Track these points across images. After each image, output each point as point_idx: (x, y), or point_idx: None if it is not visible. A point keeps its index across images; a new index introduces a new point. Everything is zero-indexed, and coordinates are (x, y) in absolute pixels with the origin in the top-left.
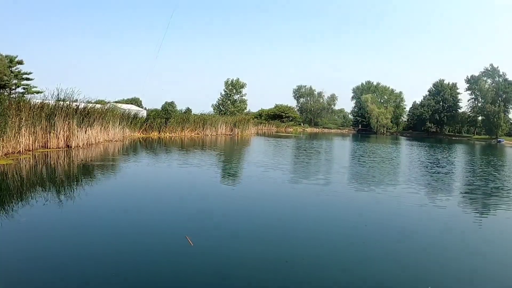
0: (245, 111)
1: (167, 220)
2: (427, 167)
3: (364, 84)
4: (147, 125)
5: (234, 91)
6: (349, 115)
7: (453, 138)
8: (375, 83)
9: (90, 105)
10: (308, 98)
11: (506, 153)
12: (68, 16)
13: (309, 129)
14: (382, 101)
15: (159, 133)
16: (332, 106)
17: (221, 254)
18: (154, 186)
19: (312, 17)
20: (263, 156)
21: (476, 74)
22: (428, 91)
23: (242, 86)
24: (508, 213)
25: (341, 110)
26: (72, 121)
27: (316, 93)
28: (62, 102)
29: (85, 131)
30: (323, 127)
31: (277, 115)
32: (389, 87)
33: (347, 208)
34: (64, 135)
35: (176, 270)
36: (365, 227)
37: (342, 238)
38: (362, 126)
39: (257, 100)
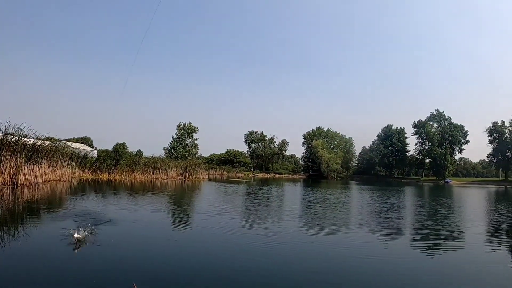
0: (196, 155)
1: (112, 267)
2: (380, 212)
3: (315, 130)
4: (97, 165)
5: (186, 135)
6: (300, 161)
7: (402, 180)
8: (325, 129)
9: (40, 141)
10: (260, 144)
11: (454, 193)
12: (23, 48)
13: (260, 175)
14: (332, 146)
15: (108, 174)
16: (283, 151)
17: None
18: (101, 231)
19: (266, 63)
20: (213, 202)
21: (423, 119)
22: (377, 136)
23: (194, 130)
24: (461, 252)
25: (292, 156)
26: (20, 157)
27: (267, 138)
28: (10, 137)
29: (33, 169)
30: (274, 172)
31: (228, 160)
32: (339, 133)
33: (292, 256)
34: (10, 172)
35: None
36: (310, 275)
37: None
38: (313, 171)
39: (209, 144)
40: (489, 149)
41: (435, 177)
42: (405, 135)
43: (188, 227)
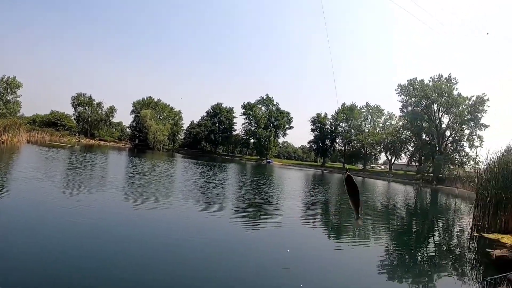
0: (17, 114)
1: None
2: (205, 187)
3: (145, 99)
4: None
5: (9, 90)
6: (127, 129)
7: (226, 157)
8: (156, 99)
9: None
10: (87, 108)
11: (275, 172)
12: None
13: (84, 140)
14: (161, 117)
15: None
16: (111, 118)
17: None
18: None
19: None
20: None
21: (253, 101)
22: (206, 112)
23: (18, 86)
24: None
25: (120, 123)
26: None
27: (95, 103)
28: None
29: None
30: (99, 139)
31: (52, 123)
32: (169, 105)
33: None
34: None
35: None
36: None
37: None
38: (139, 141)
39: (32, 103)
40: (310, 136)
41: (258, 157)
42: (234, 115)
43: None
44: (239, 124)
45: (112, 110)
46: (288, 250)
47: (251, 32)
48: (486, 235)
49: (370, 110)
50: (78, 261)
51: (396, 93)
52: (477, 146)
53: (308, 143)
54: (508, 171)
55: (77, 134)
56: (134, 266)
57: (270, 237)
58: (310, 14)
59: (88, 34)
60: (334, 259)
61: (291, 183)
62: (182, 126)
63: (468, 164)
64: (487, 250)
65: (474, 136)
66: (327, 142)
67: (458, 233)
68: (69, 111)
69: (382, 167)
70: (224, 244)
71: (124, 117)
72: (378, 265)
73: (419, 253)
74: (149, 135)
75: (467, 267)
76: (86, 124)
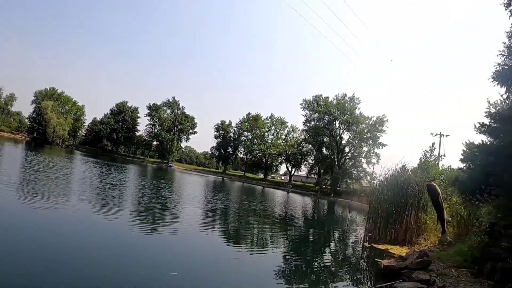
0: None
1: None
2: (103, 189)
3: (48, 89)
4: None
5: None
6: (26, 120)
7: (127, 158)
8: (59, 91)
9: None
10: None
11: (176, 177)
12: None
13: None
14: (63, 111)
15: None
16: (9, 107)
17: None
18: None
19: None
20: None
21: (159, 103)
22: (110, 110)
23: None
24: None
25: (19, 113)
26: None
27: None
28: None
29: None
30: None
31: None
32: (72, 98)
33: None
34: None
35: None
36: None
37: None
38: (38, 134)
39: None
40: (213, 143)
41: (159, 160)
42: (138, 115)
43: None
44: (143, 125)
45: (11, 98)
46: (176, 273)
47: (168, 32)
48: (376, 245)
49: (274, 122)
50: None
51: (301, 107)
52: (374, 163)
53: (210, 149)
54: (399, 187)
55: None
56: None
57: (164, 243)
58: (221, 21)
59: None
60: (230, 267)
61: (191, 189)
62: (84, 122)
63: (365, 179)
64: (376, 259)
65: (372, 154)
66: (230, 149)
67: (353, 243)
68: None
69: (283, 177)
70: (111, 248)
71: (24, 107)
72: (275, 273)
73: (316, 262)
74: (48, 129)
75: (359, 276)
76: None
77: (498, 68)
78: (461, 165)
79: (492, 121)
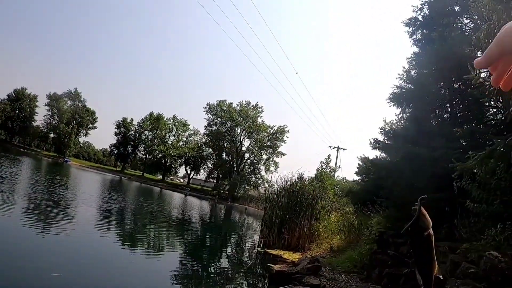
0: None
1: None
2: None
3: None
4: None
5: None
6: None
7: (21, 150)
8: None
9: None
10: None
11: (73, 173)
12: None
13: None
14: None
15: None
16: None
17: None
18: None
19: None
20: None
21: (60, 93)
22: (8, 95)
23: None
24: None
25: None
26: None
27: None
28: None
29: None
30: None
31: None
32: None
33: None
34: None
35: None
36: None
37: None
38: None
39: None
40: (113, 140)
41: (55, 154)
42: (37, 103)
43: None
44: (41, 115)
45: None
46: (61, 274)
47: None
48: (270, 251)
49: (176, 123)
50: None
51: (204, 111)
52: (272, 171)
53: (109, 146)
54: (293, 195)
55: None
56: None
57: (53, 243)
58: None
59: None
60: (124, 270)
61: (87, 187)
62: None
63: (263, 186)
64: (268, 264)
65: (271, 162)
66: (129, 148)
67: (249, 248)
68: None
69: (181, 180)
70: None
71: None
72: (172, 277)
73: (212, 266)
74: None
75: (254, 280)
76: None
77: (395, 90)
78: (356, 178)
79: (386, 138)
